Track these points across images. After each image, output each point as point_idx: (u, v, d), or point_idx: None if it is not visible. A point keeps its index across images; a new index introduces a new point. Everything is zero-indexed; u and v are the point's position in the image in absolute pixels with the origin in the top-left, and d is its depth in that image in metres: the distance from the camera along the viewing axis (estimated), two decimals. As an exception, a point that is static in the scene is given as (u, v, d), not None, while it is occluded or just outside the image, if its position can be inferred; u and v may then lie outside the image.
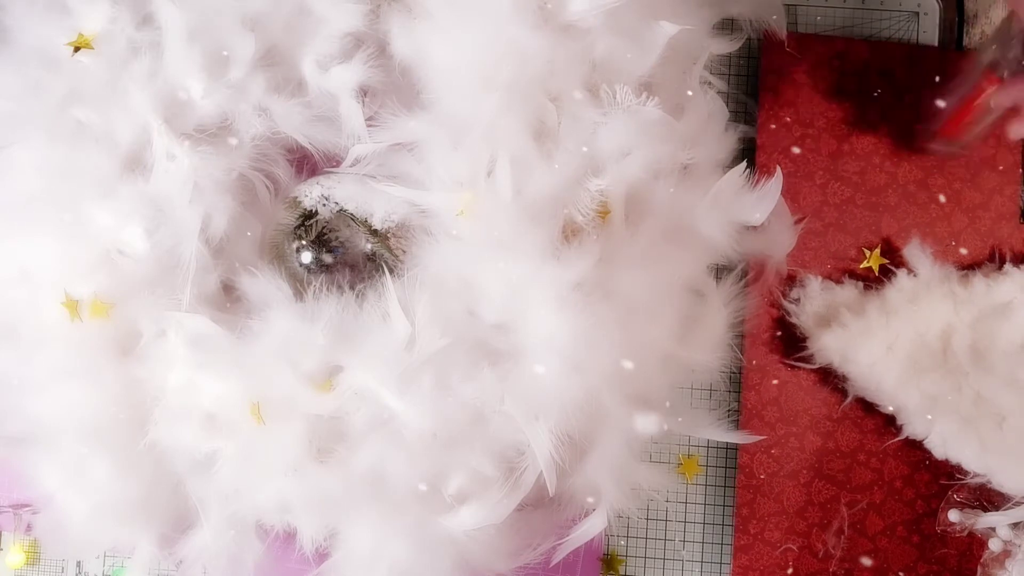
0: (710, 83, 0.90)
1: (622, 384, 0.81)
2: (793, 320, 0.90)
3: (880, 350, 0.87)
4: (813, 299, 0.90)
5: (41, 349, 0.81)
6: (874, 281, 0.91)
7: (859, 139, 0.92)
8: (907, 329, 0.88)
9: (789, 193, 0.90)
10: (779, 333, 0.91)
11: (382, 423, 0.80)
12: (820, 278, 0.91)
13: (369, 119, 0.85)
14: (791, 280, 0.91)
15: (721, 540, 0.92)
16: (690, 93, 0.85)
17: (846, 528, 0.90)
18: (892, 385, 0.88)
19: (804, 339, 0.90)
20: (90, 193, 0.81)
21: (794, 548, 0.90)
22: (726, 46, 0.91)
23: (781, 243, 0.90)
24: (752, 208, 0.86)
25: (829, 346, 0.88)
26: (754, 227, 0.88)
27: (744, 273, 0.90)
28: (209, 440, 0.81)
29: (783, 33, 0.91)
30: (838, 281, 0.91)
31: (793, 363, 0.91)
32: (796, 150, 0.92)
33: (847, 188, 0.92)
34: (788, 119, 0.92)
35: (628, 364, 0.79)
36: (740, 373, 0.91)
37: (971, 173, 0.91)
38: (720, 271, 0.90)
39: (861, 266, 0.91)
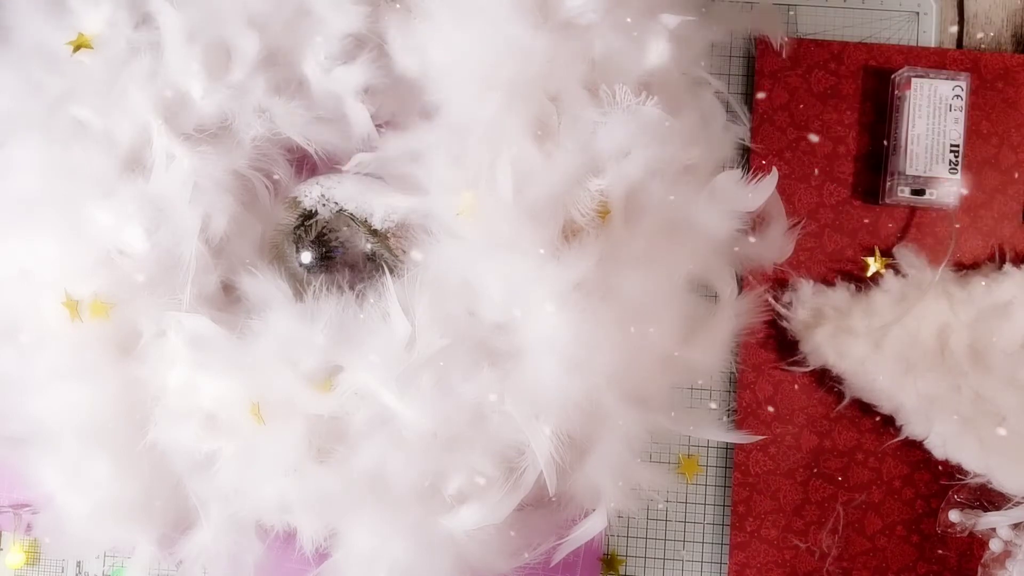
0: (709, 83, 0.90)
1: (622, 384, 0.81)
2: (784, 324, 0.91)
3: (866, 349, 0.88)
4: (805, 303, 0.90)
5: (41, 349, 0.81)
6: (871, 282, 0.91)
7: (855, 141, 0.92)
8: (895, 328, 0.88)
9: (784, 195, 0.90)
10: (773, 334, 0.91)
11: (382, 423, 0.80)
12: (812, 281, 0.91)
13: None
14: (784, 283, 0.91)
15: (721, 540, 0.92)
16: (694, 91, 0.85)
17: (840, 527, 0.91)
18: (886, 385, 0.88)
19: (797, 342, 0.90)
20: (90, 193, 0.80)
21: (792, 546, 0.90)
22: (722, 42, 0.91)
23: (778, 249, 0.90)
24: (749, 198, 0.85)
25: (819, 346, 0.89)
26: (752, 232, 0.88)
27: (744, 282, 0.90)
28: (209, 440, 0.80)
29: (781, 40, 0.92)
30: (832, 282, 0.91)
31: (787, 367, 0.91)
32: (790, 153, 0.92)
33: (843, 189, 0.92)
34: (783, 122, 0.92)
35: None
36: (736, 372, 0.91)
37: (973, 172, 0.91)
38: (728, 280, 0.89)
39: (868, 273, 0.91)
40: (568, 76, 0.81)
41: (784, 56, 0.92)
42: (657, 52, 0.82)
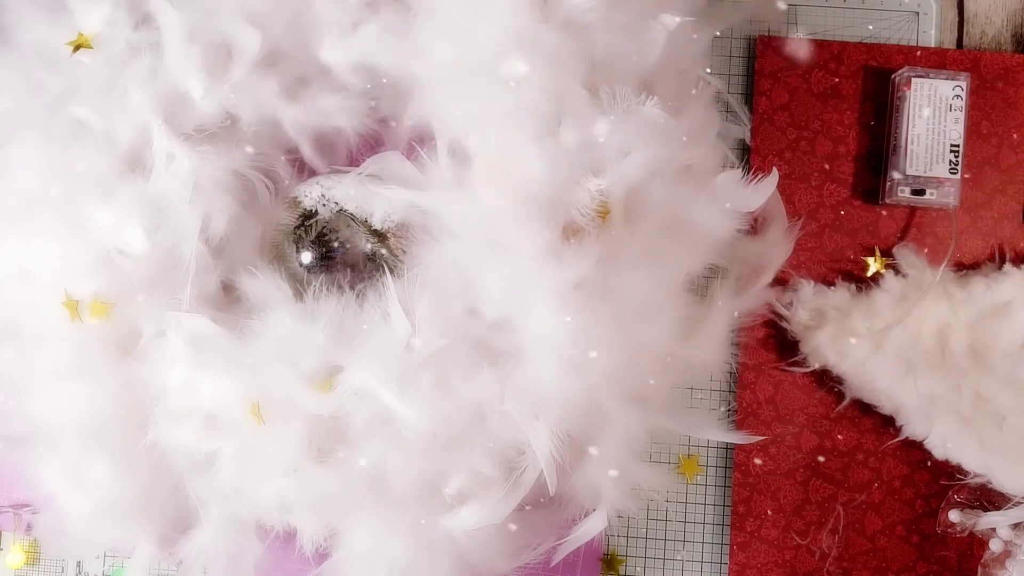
0: (708, 83, 0.90)
1: (622, 384, 0.81)
2: (784, 325, 0.91)
3: (866, 349, 0.88)
4: (805, 303, 0.90)
5: (41, 349, 0.81)
6: (872, 282, 0.91)
7: (855, 141, 0.92)
8: (896, 328, 0.88)
9: (784, 195, 0.90)
10: (773, 334, 0.91)
11: (382, 423, 0.80)
12: (813, 282, 0.91)
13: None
14: (784, 284, 0.91)
15: (721, 540, 0.92)
16: (694, 92, 0.85)
17: (841, 527, 0.91)
18: (887, 384, 0.88)
19: (797, 342, 0.90)
20: (90, 193, 0.80)
21: (792, 546, 0.90)
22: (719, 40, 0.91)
23: (778, 250, 0.90)
24: (749, 197, 0.85)
25: (819, 347, 0.89)
26: (751, 234, 0.88)
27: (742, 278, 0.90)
28: (209, 440, 0.80)
29: (781, 39, 0.92)
30: (832, 282, 0.91)
31: (788, 368, 0.91)
32: (790, 153, 0.92)
33: (843, 189, 0.92)
34: (783, 122, 0.92)
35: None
36: (736, 372, 0.91)
37: (972, 172, 0.92)
38: (722, 272, 0.89)
39: (868, 273, 0.91)
40: (568, 76, 0.81)
41: (784, 52, 0.92)
42: (657, 52, 0.82)
